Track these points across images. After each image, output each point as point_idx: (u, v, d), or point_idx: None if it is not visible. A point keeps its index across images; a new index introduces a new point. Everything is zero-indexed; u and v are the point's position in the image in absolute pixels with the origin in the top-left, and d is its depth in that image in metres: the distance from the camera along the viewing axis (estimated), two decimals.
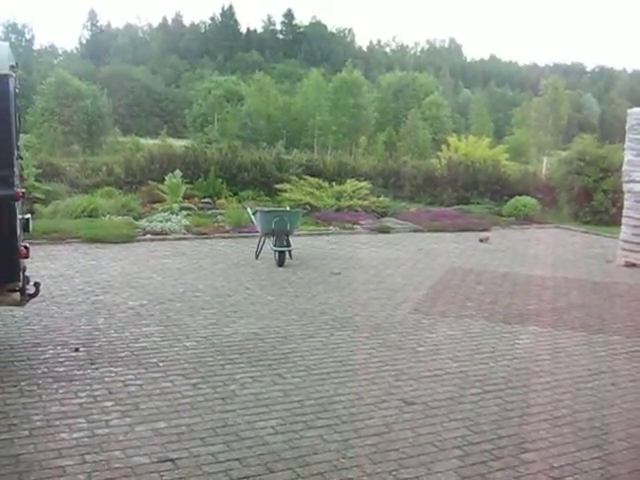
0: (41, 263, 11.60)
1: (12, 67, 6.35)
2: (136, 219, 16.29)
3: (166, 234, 15.14)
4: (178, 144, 31.70)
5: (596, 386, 6.85)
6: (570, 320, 9.41)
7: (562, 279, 12.39)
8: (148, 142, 43.34)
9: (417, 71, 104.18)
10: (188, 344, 7.57)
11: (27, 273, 7.04)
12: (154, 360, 7.00)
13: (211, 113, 77.33)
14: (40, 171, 18.48)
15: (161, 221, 15.94)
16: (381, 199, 20.33)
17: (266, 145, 26.62)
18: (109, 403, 5.86)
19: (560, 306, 10.22)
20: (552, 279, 12.36)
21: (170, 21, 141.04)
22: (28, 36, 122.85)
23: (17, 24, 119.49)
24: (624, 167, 14.39)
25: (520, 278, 12.29)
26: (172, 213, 16.82)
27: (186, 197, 18.55)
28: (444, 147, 29.05)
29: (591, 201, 20.70)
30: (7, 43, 6.60)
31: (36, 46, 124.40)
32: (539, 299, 10.65)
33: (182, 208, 17.51)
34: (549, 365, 7.42)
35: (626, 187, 14.33)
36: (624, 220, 14.39)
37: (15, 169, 6.37)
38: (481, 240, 16.49)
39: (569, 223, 20.51)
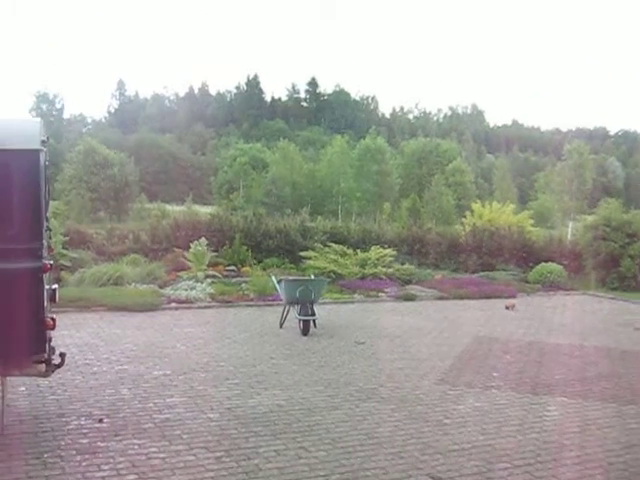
0: (67, 331, 11.66)
1: (43, 142, 6.50)
2: (161, 287, 16.40)
3: (191, 302, 15.19)
4: (204, 211, 32.04)
5: (628, 460, 6.67)
6: (600, 391, 9.24)
7: (590, 348, 12.21)
8: (174, 209, 43.91)
9: (440, 137, 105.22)
10: (212, 416, 7.51)
11: (53, 343, 7.08)
12: (178, 432, 6.94)
13: (236, 180, 78.39)
14: (67, 239, 18.70)
15: (186, 289, 16.04)
16: (405, 266, 20.29)
17: (291, 212, 26.79)
18: (132, 477, 5.80)
19: (589, 376, 10.05)
20: (580, 348, 12.19)
21: (196, 90, 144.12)
22: (59, 105, 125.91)
23: (48, 94, 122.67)
24: None
25: (547, 347, 12.13)
26: (197, 281, 16.92)
27: (211, 265, 18.65)
28: (468, 213, 29.14)
29: (618, 267, 20.57)
30: (39, 119, 6.77)
31: (66, 115, 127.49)
32: (567, 369, 10.48)
33: (207, 276, 17.62)
34: (579, 438, 7.26)
35: None
36: None
37: (44, 241, 6.46)
38: (507, 307, 16.37)
39: (596, 289, 20.34)
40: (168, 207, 47.95)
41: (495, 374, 9.93)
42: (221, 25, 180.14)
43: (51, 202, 8.02)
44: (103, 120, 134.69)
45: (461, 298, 17.69)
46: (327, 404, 8.10)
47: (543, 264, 21.44)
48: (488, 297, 17.92)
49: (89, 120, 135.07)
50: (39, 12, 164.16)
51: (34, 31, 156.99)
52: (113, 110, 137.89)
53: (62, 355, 7.00)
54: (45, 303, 6.51)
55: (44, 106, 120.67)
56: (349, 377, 9.41)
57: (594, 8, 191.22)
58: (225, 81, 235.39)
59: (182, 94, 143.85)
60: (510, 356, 11.23)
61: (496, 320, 14.84)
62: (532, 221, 28.63)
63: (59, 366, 6.99)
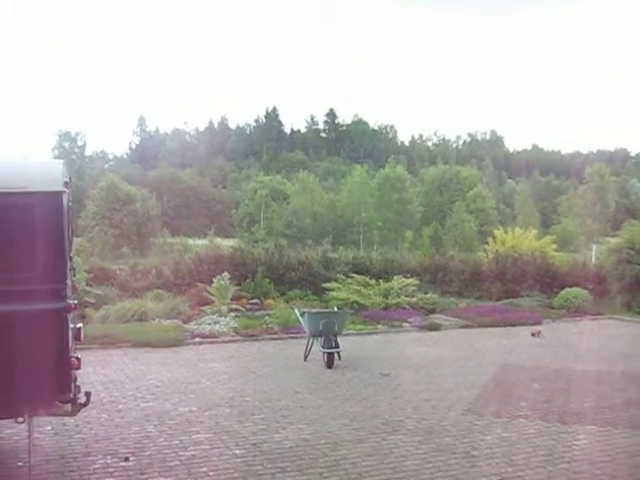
0: (92, 369, 11.69)
1: (66, 183, 6.59)
2: (185, 322, 16.44)
3: (215, 337, 15.21)
4: (225, 244, 32.18)
5: None
6: (629, 418, 9.11)
7: (618, 374, 12.06)
8: (196, 242, 44.15)
9: (460, 164, 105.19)
10: (238, 452, 7.48)
11: (78, 381, 7.11)
12: (204, 469, 6.92)
13: (257, 212, 78.76)
14: (91, 276, 18.83)
15: (210, 324, 16.07)
16: (429, 295, 20.18)
17: (312, 243, 26.86)
18: None
19: (618, 403, 9.92)
20: (608, 374, 12.04)
21: (216, 124, 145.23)
22: (80, 143, 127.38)
23: (71, 132, 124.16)
24: None
25: (575, 374, 12.00)
26: (220, 315, 16.95)
27: (234, 298, 18.67)
28: (490, 240, 29.03)
29: None
30: (61, 161, 6.87)
31: (88, 152, 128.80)
32: (596, 396, 10.35)
33: (230, 310, 17.64)
34: (610, 467, 7.15)
35: None
36: None
37: (67, 281, 6.52)
38: (533, 334, 16.21)
39: (622, 314, 20.11)
40: (190, 241, 48.28)
41: (523, 403, 9.82)
42: (239, 59, 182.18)
43: (74, 239, 8.11)
44: (124, 156, 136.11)
45: (486, 326, 17.56)
46: (353, 437, 8.05)
47: (568, 289, 21.28)
48: (513, 324, 17.78)
49: (110, 157, 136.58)
50: (60, 51, 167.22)
51: (56, 71, 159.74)
52: (134, 146, 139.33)
53: (87, 394, 7.03)
54: (70, 343, 6.56)
55: (66, 144, 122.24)
56: (375, 410, 9.35)
57: (614, 31, 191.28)
58: (244, 114, 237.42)
59: (202, 128, 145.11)
60: (537, 384, 11.12)
61: (522, 348, 14.72)
62: (555, 246, 28.45)
63: (85, 405, 7.02)
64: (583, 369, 12.43)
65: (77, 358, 6.71)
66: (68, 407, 6.83)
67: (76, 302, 6.82)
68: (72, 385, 6.66)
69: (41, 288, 6.30)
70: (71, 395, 6.71)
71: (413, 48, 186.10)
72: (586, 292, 21.11)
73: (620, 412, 9.39)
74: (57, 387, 6.49)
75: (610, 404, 9.84)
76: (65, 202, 6.50)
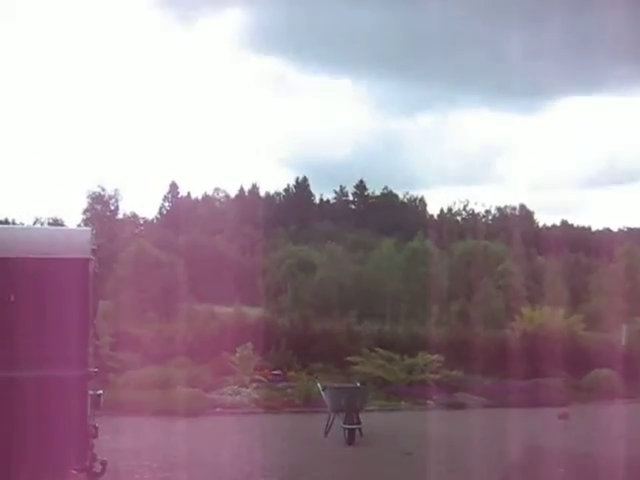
0: (110, 436, 11.47)
1: (93, 251, 6.65)
2: (206, 391, 16.32)
3: (236, 407, 15.12)
4: (251, 312, 32.20)
5: None
6: None
7: None
8: (222, 310, 44.09)
9: (488, 239, 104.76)
10: None
11: (95, 448, 7.02)
12: None
13: (284, 282, 78.80)
14: (115, 340, 18.78)
15: (231, 394, 15.97)
16: (454, 373, 19.84)
17: (338, 314, 26.77)
18: None
19: None
20: (638, 459, 11.66)
21: (247, 192, 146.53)
22: (112, 207, 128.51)
23: (104, 195, 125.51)
24: None
25: (604, 459, 11.61)
26: (242, 386, 16.82)
27: (257, 368, 18.53)
28: (518, 317, 28.76)
29: None
30: (90, 229, 6.97)
31: (119, 216, 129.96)
32: None
33: (252, 380, 17.49)
34: None
35: None
36: None
37: (89, 348, 6.52)
38: (560, 417, 15.82)
39: None
40: (216, 308, 48.25)
41: None
42: (271, 126, 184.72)
43: (100, 302, 8.13)
44: (155, 221, 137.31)
45: (511, 406, 17.20)
46: None
47: (597, 370, 20.85)
48: (540, 405, 17.42)
49: (141, 221, 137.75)
50: (95, 114, 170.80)
51: (91, 135, 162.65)
52: (165, 211, 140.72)
53: (103, 463, 6.95)
54: (88, 411, 6.51)
55: (98, 207, 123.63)
56: None
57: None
58: (275, 183, 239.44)
59: (232, 196, 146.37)
60: (564, 469, 10.78)
61: (548, 430, 14.40)
62: (584, 325, 28.06)
63: (100, 475, 6.92)
64: (612, 454, 12.04)
65: (94, 426, 6.66)
66: (83, 476, 6.74)
67: (96, 370, 6.79)
68: (88, 454, 6.59)
69: (62, 354, 6.29)
70: (87, 464, 6.64)
71: (443, 122, 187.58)
72: (616, 373, 20.66)
73: None
74: (73, 455, 6.43)
75: None
76: (91, 269, 6.54)
